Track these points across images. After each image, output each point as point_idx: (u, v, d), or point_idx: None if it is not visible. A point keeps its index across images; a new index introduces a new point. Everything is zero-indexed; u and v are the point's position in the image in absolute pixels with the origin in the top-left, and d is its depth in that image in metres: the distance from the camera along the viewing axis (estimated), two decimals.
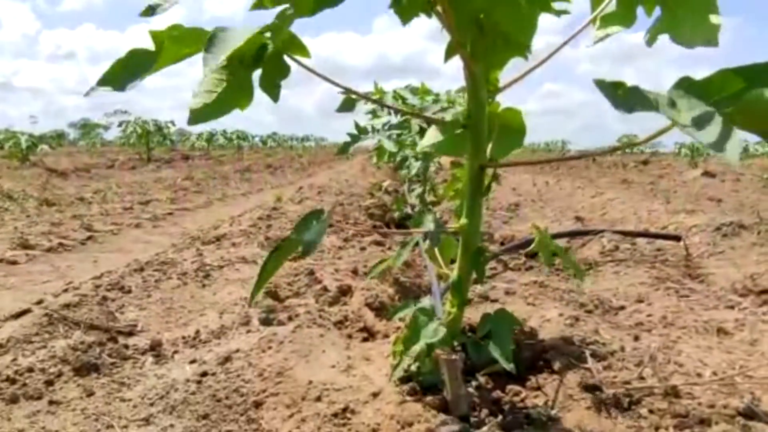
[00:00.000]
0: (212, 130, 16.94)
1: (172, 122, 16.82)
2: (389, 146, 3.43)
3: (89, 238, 3.69)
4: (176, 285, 2.27)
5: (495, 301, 2.20)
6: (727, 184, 8.62)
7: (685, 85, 0.92)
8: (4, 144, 9.42)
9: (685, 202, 5.75)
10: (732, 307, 2.08)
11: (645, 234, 3.25)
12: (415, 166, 3.42)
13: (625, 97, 0.87)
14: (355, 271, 2.36)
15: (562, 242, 3.29)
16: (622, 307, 2.18)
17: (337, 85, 1.36)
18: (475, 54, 1.18)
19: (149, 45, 1.21)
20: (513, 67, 1.32)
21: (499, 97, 1.38)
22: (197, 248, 2.86)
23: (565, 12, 1.09)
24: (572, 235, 3.26)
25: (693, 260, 3.08)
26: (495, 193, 5.81)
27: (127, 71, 1.20)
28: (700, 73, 0.95)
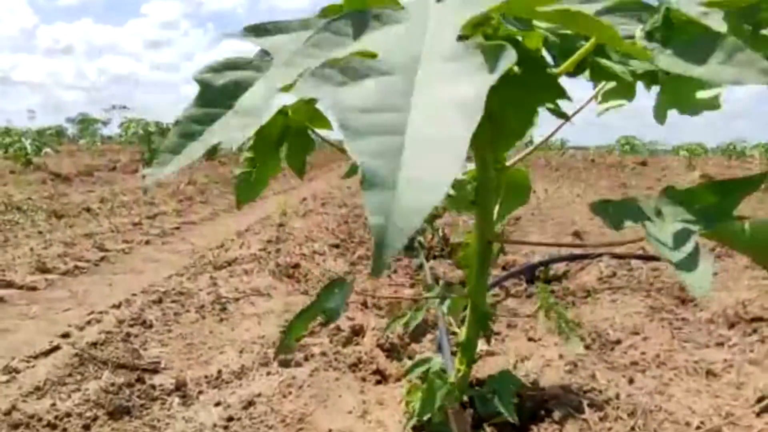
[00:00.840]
0: None
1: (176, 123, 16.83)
2: None
3: (102, 258, 3.80)
4: (194, 319, 2.39)
5: (497, 334, 2.32)
6: None
7: (670, 194, 1.04)
8: (9, 147, 9.45)
9: None
10: (721, 344, 2.21)
11: (641, 257, 3.37)
12: None
13: (615, 213, 0.98)
14: (364, 304, 2.49)
15: (561, 266, 3.41)
16: (619, 341, 2.30)
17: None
18: (483, 142, 1.29)
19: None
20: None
21: None
22: (210, 276, 2.97)
23: (564, 116, 1.20)
24: (571, 259, 3.38)
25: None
26: None
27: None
28: None
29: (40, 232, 4.60)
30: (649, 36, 0.87)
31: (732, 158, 18.97)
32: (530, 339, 2.27)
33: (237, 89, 0.79)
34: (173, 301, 2.58)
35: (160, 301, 2.58)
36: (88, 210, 6.02)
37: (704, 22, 0.80)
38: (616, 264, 3.29)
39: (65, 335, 2.28)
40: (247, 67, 0.83)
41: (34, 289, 3.09)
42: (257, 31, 0.87)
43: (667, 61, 0.81)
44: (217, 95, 0.78)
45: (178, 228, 5.13)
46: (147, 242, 4.43)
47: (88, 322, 2.41)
